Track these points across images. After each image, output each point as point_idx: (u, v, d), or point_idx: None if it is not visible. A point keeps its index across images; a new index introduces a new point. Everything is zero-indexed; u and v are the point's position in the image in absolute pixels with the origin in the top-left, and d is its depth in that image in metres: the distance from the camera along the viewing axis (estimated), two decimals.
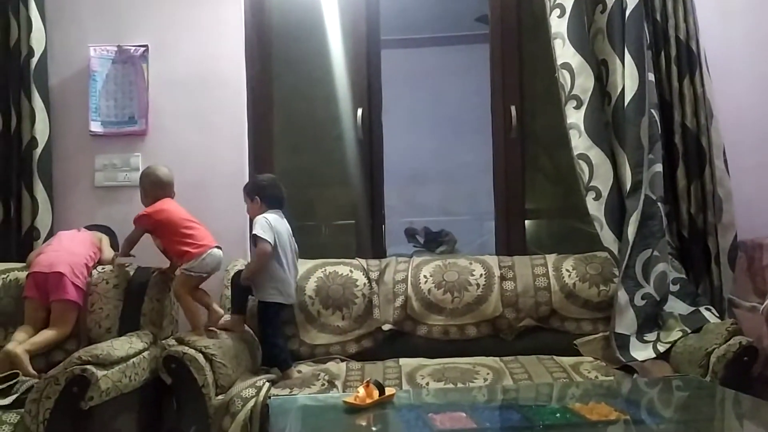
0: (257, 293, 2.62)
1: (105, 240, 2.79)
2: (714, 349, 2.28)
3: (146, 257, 2.74)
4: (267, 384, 2.31)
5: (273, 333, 2.61)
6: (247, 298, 2.69)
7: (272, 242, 2.56)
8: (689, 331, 2.55)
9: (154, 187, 2.69)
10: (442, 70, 5.09)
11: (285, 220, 2.69)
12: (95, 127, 3.06)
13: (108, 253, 2.75)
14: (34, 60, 2.93)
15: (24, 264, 2.69)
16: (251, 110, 3.16)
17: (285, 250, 2.62)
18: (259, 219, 2.61)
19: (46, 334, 2.46)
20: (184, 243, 2.58)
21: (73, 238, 2.72)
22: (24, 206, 2.91)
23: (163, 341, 2.55)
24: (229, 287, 2.80)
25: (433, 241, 4.94)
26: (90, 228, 2.85)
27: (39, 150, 2.92)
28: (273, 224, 2.60)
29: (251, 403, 2.21)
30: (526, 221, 3.26)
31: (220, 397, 2.26)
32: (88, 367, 2.05)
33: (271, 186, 2.74)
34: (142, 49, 3.08)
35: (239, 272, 2.69)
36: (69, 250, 2.62)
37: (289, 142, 3.34)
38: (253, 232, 2.59)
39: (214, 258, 2.59)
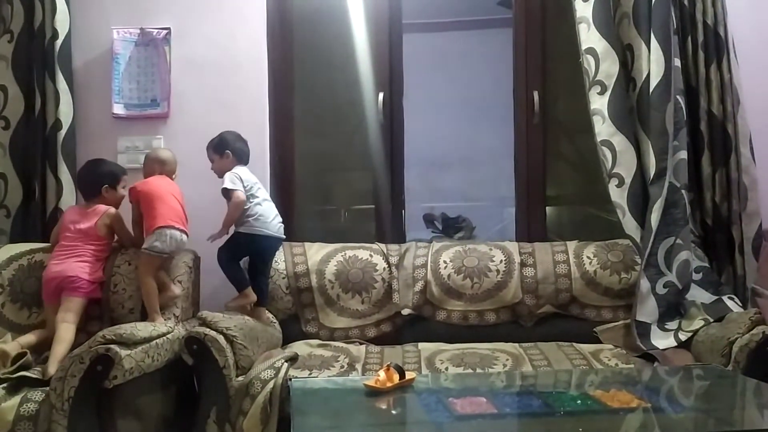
0: (236, 227, 2.69)
1: (116, 218, 2.68)
2: (736, 338, 2.26)
3: None
4: (285, 365, 2.33)
5: (228, 258, 2.68)
6: (242, 270, 2.73)
7: (243, 192, 2.66)
8: (711, 320, 2.53)
9: (151, 162, 2.76)
10: (464, 55, 5.04)
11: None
12: (118, 109, 3.08)
13: (122, 232, 2.69)
14: (59, 42, 2.95)
15: (49, 244, 2.73)
16: (272, 93, 3.16)
17: (255, 193, 2.71)
18: (228, 174, 2.68)
19: (65, 342, 2.38)
20: (149, 219, 2.60)
21: (82, 226, 2.63)
22: (48, 187, 2.94)
23: (185, 321, 2.59)
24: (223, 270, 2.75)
25: (451, 227, 4.94)
26: (90, 171, 2.77)
27: (63, 132, 2.94)
28: (241, 176, 2.69)
29: (270, 384, 2.22)
30: (547, 208, 3.24)
31: (240, 378, 2.28)
32: (112, 346, 2.08)
33: (238, 139, 2.81)
34: (165, 31, 3.09)
35: (221, 251, 2.69)
36: (79, 250, 2.59)
37: (309, 126, 3.33)
38: (223, 186, 2.66)
39: (172, 238, 2.57)
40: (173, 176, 2.80)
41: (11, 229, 2.93)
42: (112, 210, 2.67)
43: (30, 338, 2.49)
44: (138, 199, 2.65)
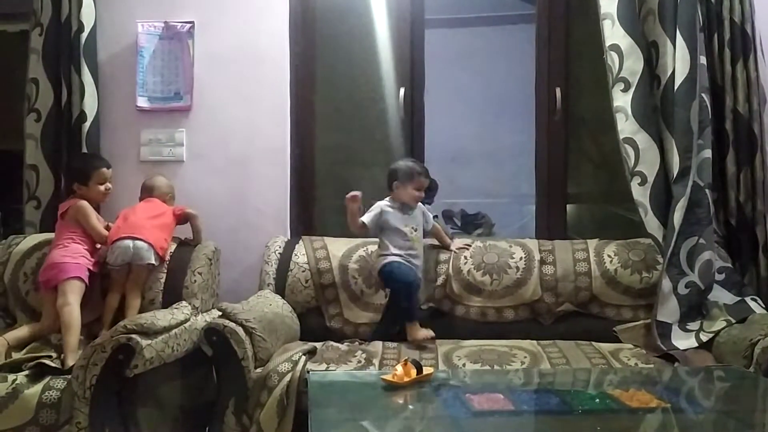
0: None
1: (79, 211, 2.65)
2: (759, 340, 2.23)
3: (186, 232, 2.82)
4: (303, 358, 2.34)
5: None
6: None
7: None
8: (734, 321, 2.51)
9: (142, 190, 2.84)
10: (486, 51, 5.02)
11: None
12: (142, 102, 3.11)
13: (88, 226, 2.65)
14: (84, 35, 2.98)
15: None
16: (294, 88, 3.17)
17: None
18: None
19: (72, 328, 2.42)
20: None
21: (63, 219, 2.68)
22: None
23: (204, 313, 2.61)
24: (387, 290, 2.74)
25: (470, 224, 4.93)
26: (66, 167, 2.87)
27: (88, 124, 2.97)
28: None
29: (287, 378, 2.23)
30: (568, 206, 3.22)
31: (258, 370, 2.29)
32: (134, 336, 2.11)
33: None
34: (189, 25, 3.11)
35: (390, 267, 2.66)
36: (62, 240, 2.63)
37: (331, 120, 3.34)
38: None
39: (119, 249, 2.59)
40: (167, 198, 2.83)
41: (41, 221, 2.96)
42: (78, 203, 2.66)
43: (22, 332, 2.49)
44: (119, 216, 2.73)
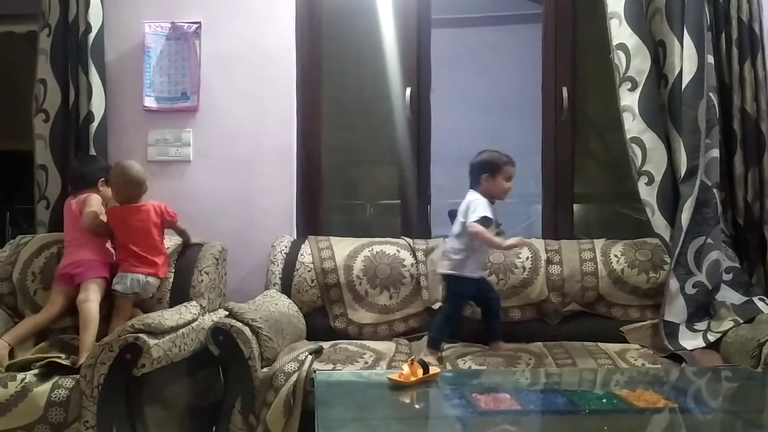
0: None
1: (89, 201, 2.67)
2: (767, 340, 2.22)
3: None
4: (309, 357, 2.34)
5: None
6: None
7: None
8: (741, 321, 2.50)
9: (132, 184, 2.66)
10: (492, 50, 5.00)
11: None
12: (149, 102, 3.12)
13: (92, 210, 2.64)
14: (92, 36, 2.99)
15: None
16: (300, 87, 3.17)
17: None
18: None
19: (90, 328, 2.45)
20: (118, 257, 2.63)
21: (77, 216, 2.68)
22: None
23: (211, 313, 2.62)
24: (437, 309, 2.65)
25: None
26: (88, 165, 2.83)
27: (95, 124, 2.98)
28: None
29: (294, 378, 2.24)
30: (574, 205, 3.21)
31: (265, 369, 2.29)
32: (141, 335, 2.12)
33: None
34: (195, 25, 3.12)
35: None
36: (82, 238, 2.64)
37: (337, 120, 3.34)
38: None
39: (132, 281, 2.57)
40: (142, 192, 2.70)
41: (50, 221, 2.97)
42: (89, 197, 2.67)
43: (21, 330, 2.50)
44: (114, 225, 2.65)
